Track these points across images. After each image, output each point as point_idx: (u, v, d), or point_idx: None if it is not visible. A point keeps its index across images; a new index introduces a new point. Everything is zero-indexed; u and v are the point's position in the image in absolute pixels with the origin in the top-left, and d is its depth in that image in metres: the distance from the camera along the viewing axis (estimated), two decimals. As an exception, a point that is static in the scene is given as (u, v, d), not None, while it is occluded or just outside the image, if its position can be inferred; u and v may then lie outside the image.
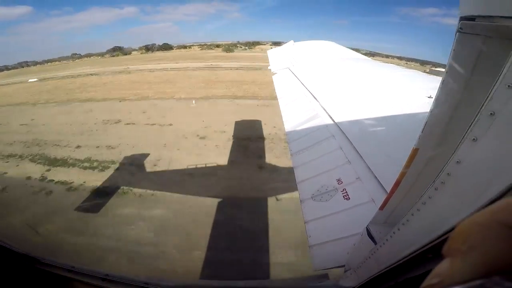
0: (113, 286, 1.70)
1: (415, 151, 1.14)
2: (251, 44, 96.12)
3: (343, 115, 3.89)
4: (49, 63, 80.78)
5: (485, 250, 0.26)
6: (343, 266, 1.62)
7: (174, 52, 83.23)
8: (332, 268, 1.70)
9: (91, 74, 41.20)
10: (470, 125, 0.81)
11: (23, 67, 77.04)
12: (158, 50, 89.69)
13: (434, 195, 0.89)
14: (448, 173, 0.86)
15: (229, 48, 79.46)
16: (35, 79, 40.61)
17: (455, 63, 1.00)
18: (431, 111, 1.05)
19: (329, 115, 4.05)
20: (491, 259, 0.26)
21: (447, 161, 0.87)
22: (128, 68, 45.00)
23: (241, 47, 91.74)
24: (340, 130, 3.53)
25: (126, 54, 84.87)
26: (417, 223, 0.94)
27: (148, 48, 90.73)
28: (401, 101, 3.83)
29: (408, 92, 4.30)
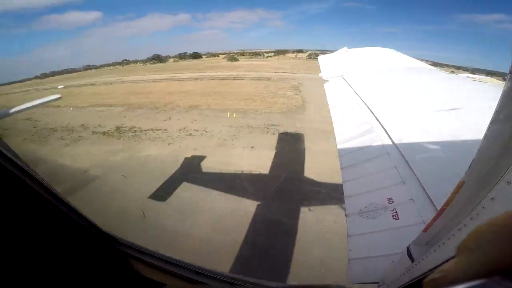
0: (175, 269, 1.76)
1: (461, 184, 1.22)
2: (280, 52, 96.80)
3: (400, 131, 3.74)
4: (106, 68, 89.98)
5: (490, 249, 0.27)
6: (377, 282, 1.71)
7: (198, 61, 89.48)
8: (367, 283, 1.79)
9: (87, 85, 45.90)
10: (508, 169, 0.91)
11: (86, 70, 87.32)
12: (189, 58, 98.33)
13: (468, 223, 1.00)
14: (483, 207, 0.97)
15: (234, 57, 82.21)
16: (62, 86, 44.74)
17: (505, 105, 1.06)
18: (479, 149, 1.11)
19: (385, 130, 3.94)
20: (493, 259, 0.26)
21: (484, 196, 0.98)
22: (121, 79, 50.20)
23: (260, 56, 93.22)
24: (396, 147, 3.43)
25: (162, 61, 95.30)
26: (449, 247, 1.05)
27: (181, 57, 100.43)
28: (468, 121, 3.44)
29: (477, 111, 3.78)
